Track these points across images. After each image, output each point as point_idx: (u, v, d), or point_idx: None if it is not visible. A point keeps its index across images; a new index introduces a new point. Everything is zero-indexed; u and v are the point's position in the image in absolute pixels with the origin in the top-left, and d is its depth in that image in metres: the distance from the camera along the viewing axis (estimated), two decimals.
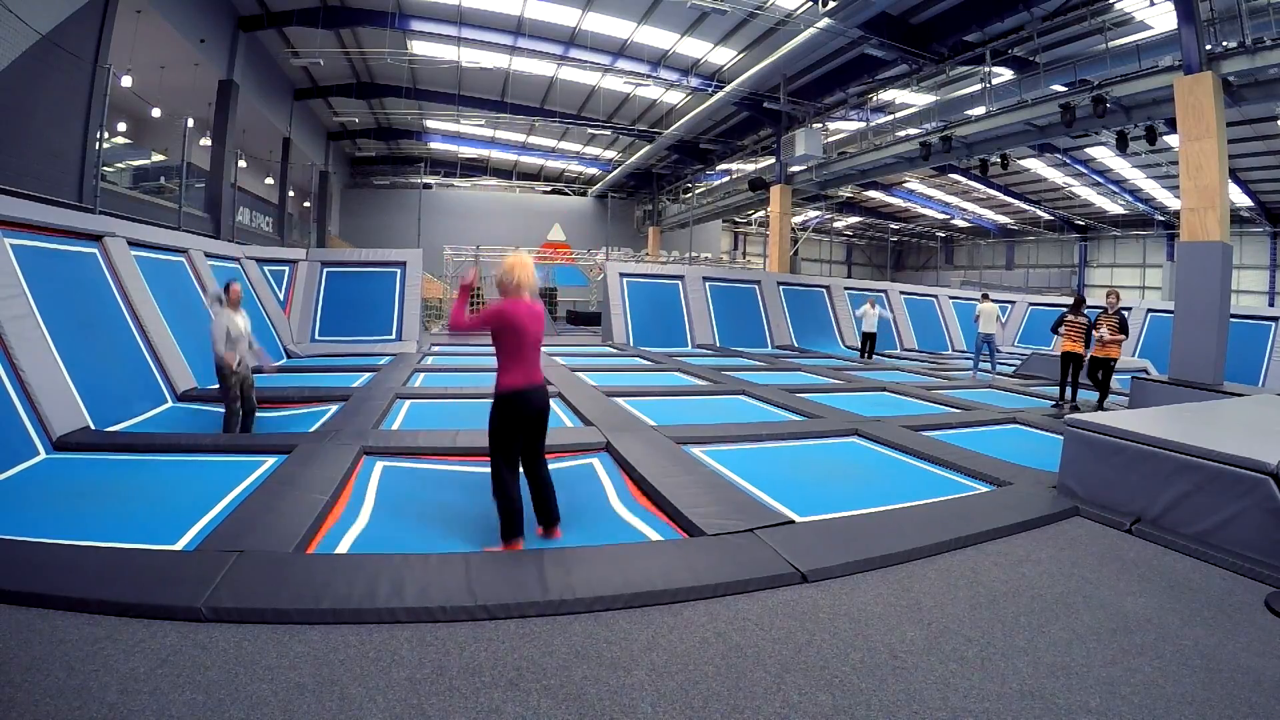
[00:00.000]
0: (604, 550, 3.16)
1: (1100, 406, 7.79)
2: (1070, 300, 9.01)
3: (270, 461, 4.48)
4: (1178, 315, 8.79)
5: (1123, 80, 11.25)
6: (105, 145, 9.18)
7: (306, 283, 12.38)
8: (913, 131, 16.71)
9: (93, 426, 5.12)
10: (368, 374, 8.95)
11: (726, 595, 2.80)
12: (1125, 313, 8.26)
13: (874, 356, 13.82)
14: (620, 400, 7.18)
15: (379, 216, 28.74)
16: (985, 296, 12.49)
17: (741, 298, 16.80)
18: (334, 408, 6.54)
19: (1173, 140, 11.08)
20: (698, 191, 28.56)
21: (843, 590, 2.91)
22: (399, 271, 13.12)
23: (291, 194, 21.86)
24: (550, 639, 2.42)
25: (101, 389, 5.60)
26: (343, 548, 3.24)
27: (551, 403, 6.86)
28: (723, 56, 17.19)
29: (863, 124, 18.89)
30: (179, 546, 3.10)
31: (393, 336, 12.34)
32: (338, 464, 4.26)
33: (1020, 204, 27.94)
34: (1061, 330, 8.19)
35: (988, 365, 12.23)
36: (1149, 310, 16.11)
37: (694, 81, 18.08)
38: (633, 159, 25.56)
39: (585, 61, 17.51)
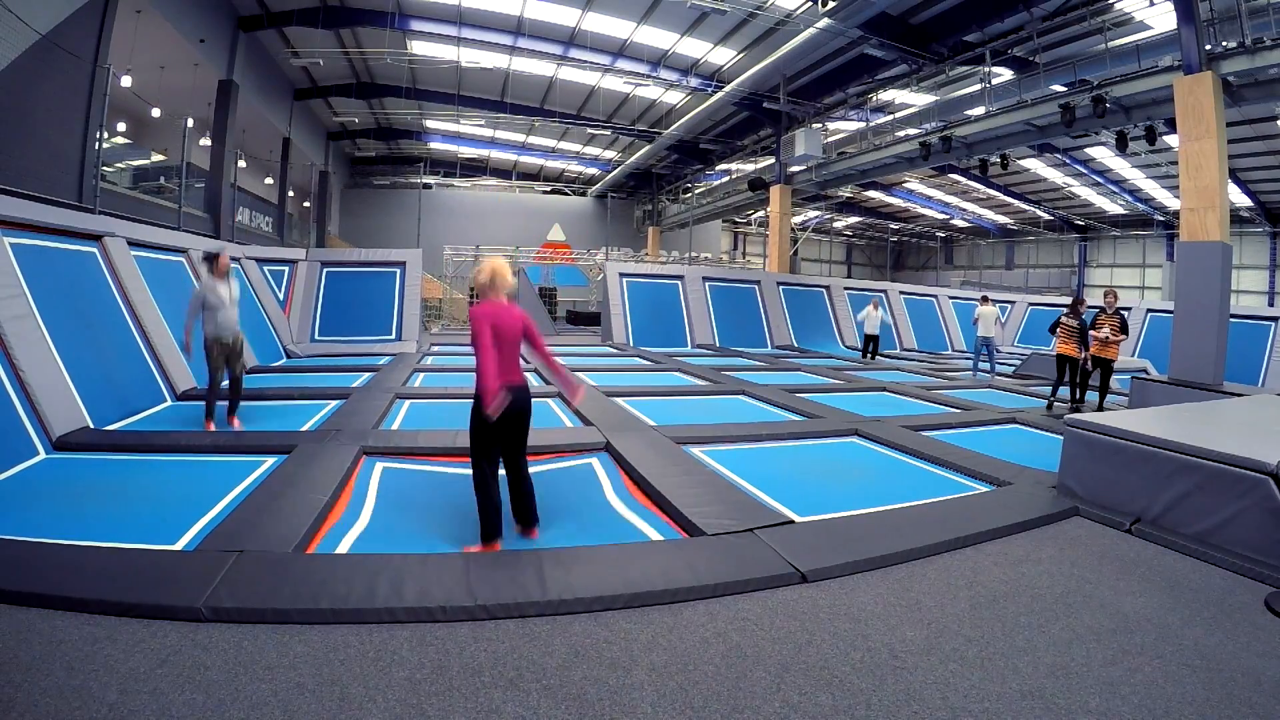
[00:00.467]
0: (604, 550, 3.16)
1: (1100, 407, 7.79)
2: (1069, 301, 8.98)
3: (270, 461, 4.48)
4: (1178, 315, 8.79)
5: (1123, 80, 11.25)
6: (105, 145, 9.18)
7: (306, 283, 12.38)
8: (912, 131, 16.71)
9: (92, 426, 5.12)
10: (367, 374, 8.95)
11: (726, 595, 2.80)
12: (1125, 312, 8.26)
13: (876, 357, 13.82)
14: (620, 400, 7.18)
15: (379, 216, 28.74)
16: (985, 299, 12.49)
17: (741, 298, 16.80)
18: (333, 405, 6.55)
19: (1173, 140, 11.08)
20: (698, 191, 28.56)
21: (843, 590, 2.91)
22: (399, 271, 13.12)
23: (291, 194, 21.86)
24: (550, 639, 2.42)
25: (101, 389, 5.60)
26: (343, 548, 3.24)
27: (551, 403, 6.94)
28: (723, 56, 17.19)
29: (863, 124, 18.88)
30: (179, 546, 3.10)
31: (392, 336, 12.34)
32: (338, 464, 4.26)
33: (1020, 204, 27.94)
34: (1057, 333, 8.19)
35: (987, 367, 12.23)
36: (1149, 310, 16.11)
37: (694, 81, 18.09)
38: (632, 159, 25.56)
39: (585, 61, 17.51)
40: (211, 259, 5.67)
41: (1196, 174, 8.73)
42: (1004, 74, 14.33)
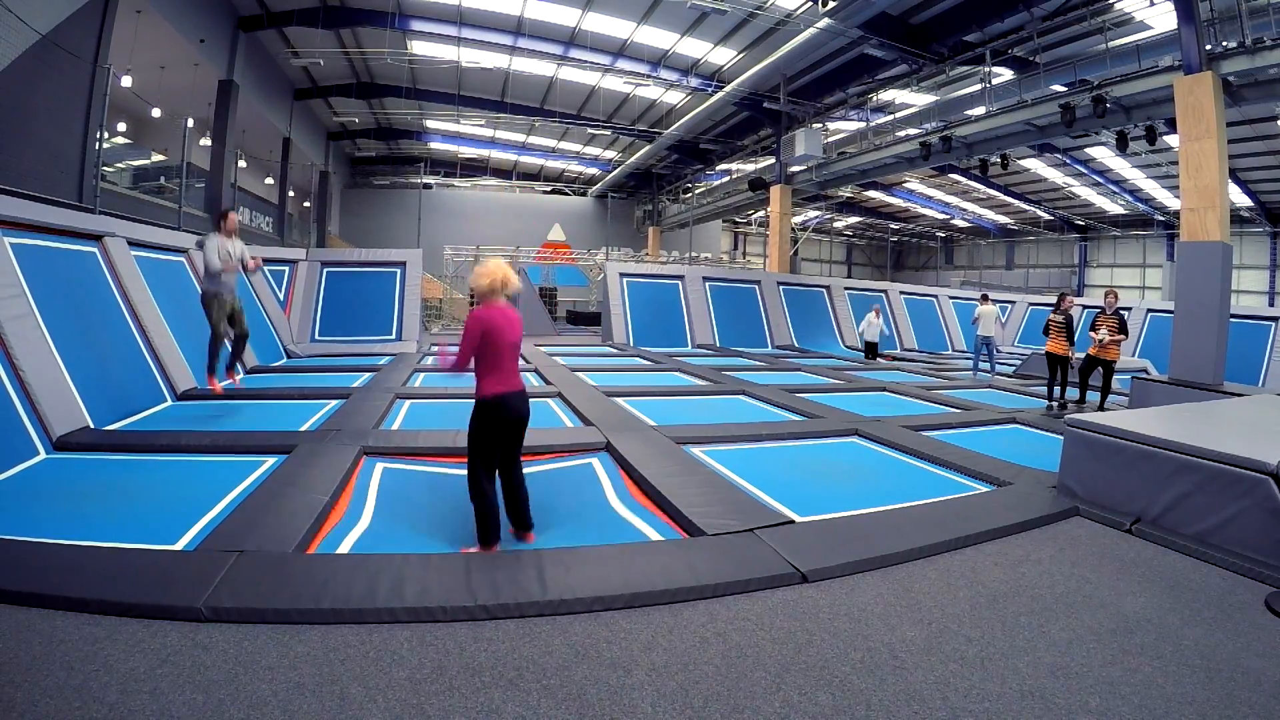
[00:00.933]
0: (604, 550, 3.16)
1: (1101, 407, 7.79)
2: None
3: (270, 461, 4.48)
4: (1178, 315, 8.79)
5: (1123, 80, 11.25)
6: (105, 145, 9.17)
7: (306, 283, 12.38)
8: (913, 131, 16.71)
9: (92, 426, 5.12)
10: (368, 374, 8.95)
11: (726, 595, 2.80)
12: (1124, 313, 8.26)
13: (877, 358, 13.86)
14: (620, 400, 7.18)
15: (379, 216, 28.73)
16: (985, 298, 12.49)
17: (741, 298, 16.79)
18: (333, 405, 6.55)
19: (1173, 140, 11.08)
20: (698, 191, 28.56)
21: (843, 590, 2.91)
22: (399, 272, 13.12)
23: (291, 194, 21.86)
24: (550, 639, 2.42)
25: (101, 389, 5.60)
26: (344, 549, 3.24)
27: (551, 404, 6.94)
28: (723, 56, 17.19)
29: (863, 124, 18.88)
30: (179, 546, 3.10)
31: (392, 336, 12.34)
32: (338, 464, 4.26)
33: (1020, 204, 27.94)
34: (1049, 333, 8.21)
35: (987, 367, 12.24)
36: (1149, 310, 16.11)
37: (694, 81, 18.09)
38: (633, 159, 25.56)
39: (585, 61, 17.51)
40: (221, 216, 5.91)
41: (1196, 174, 8.73)
42: (1004, 74, 14.33)
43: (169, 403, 6.50)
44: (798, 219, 30.51)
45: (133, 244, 7.47)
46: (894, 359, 14.66)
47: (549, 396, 7.38)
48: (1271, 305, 23.72)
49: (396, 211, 28.24)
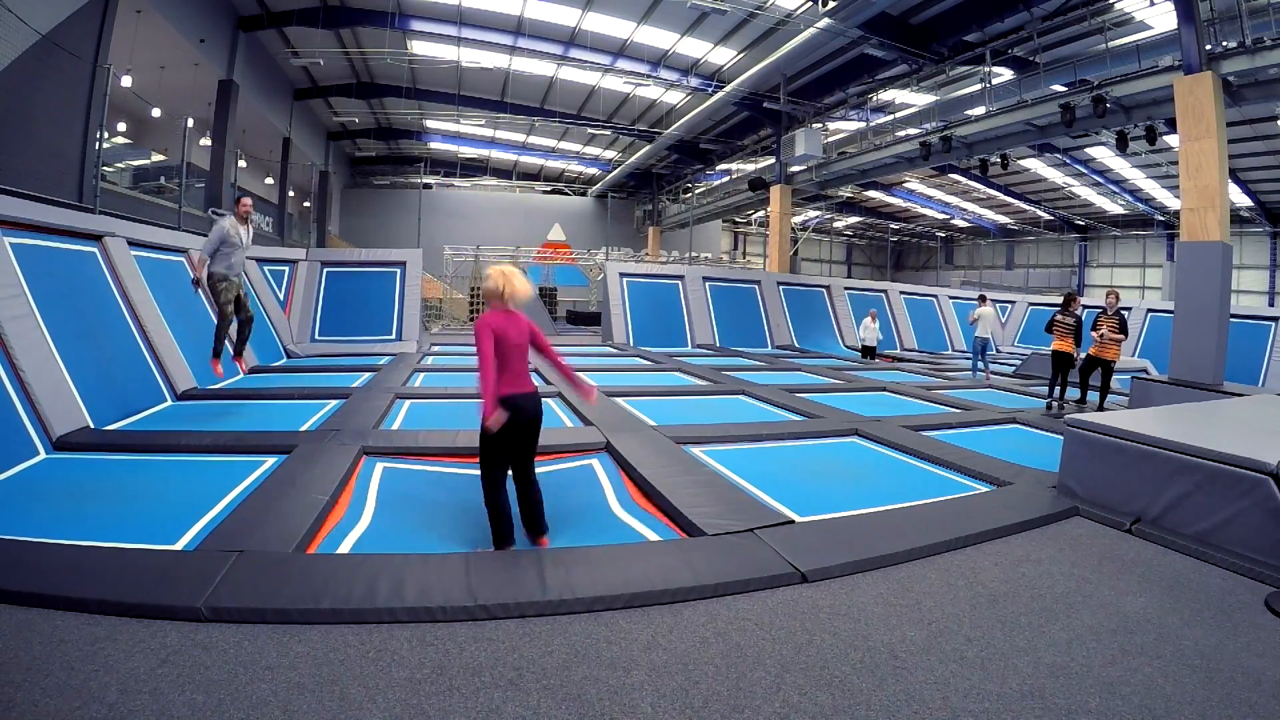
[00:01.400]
0: (604, 550, 3.15)
1: (1101, 407, 7.79)
2: (1061, 299, 8.95)
3: (270, 461, 4.48)
4: (1178, 315, 8.79)
5: (1123, 80, 11.25)
6: (105, 145, 9.17)
7: (306, 283, 12.38)
8: (913, 131, 16.72)
9: (92, 426, 5.12)
10: (367, 374, 8.95)
11: (726, 595, 2.80)
12: (1125, 313, 8.27)
13: (875, 359, 13.90)
14: (620, 400, 7.18)
15: (379, 216, 28.74)
16: (982, 299, 12.49)
17: (741, 298, 16.80)
18: (333, 405, 6.55)
19: (1173, 140, 11.08)
20: (698, 191, 28.56)
21: (843, 590, 2.91)
22: (399, 272, 13.12)
23: (291, 194, 21.88)
24: (550, 639, 2.42)
25: (101, 389, 5.60)
26: (344, 547, 3.24)
27: (552, 404, 6.94)
28: (723, 56, 17.19)
29: (863, 124, 18.89)
30: (179, 546, 3.10)
31: (393, 336, 12.34)
32: (338, 464, 4.26)
33: (1020, 204, 27.95)
34: (1053, 331, 8.19)
35: (983, 367, 12.24)
36: (1149, 310, 16.12)
37: (694, 81, 18.09)
38: (633, 159, 25.56)
39: (585, 61, 17.52)
40: (235, 201, 6.15)
41: (1196, 174, 8.73)
42: (1004, 74, 14.33)
43: (169, 403, 6.51)
44: (798, 219, 30.51)
45: (133, 244, 7.47)
46: (893, 359, 14.67)
47: (549, 397, 7.37)
48: (1271, 305, 23.72)
49: (396, 211, 28.25)
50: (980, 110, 14.47)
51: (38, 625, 2.34)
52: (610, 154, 28.21)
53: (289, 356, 10.83)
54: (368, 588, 2.64)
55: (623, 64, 17.54)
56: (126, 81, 12.87)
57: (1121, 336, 7.74)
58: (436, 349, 13.07)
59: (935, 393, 8.69)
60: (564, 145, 27.66)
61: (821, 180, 19.64)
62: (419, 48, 17.82)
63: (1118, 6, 12.02)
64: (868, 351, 13.99)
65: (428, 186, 28.56)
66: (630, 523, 3.78)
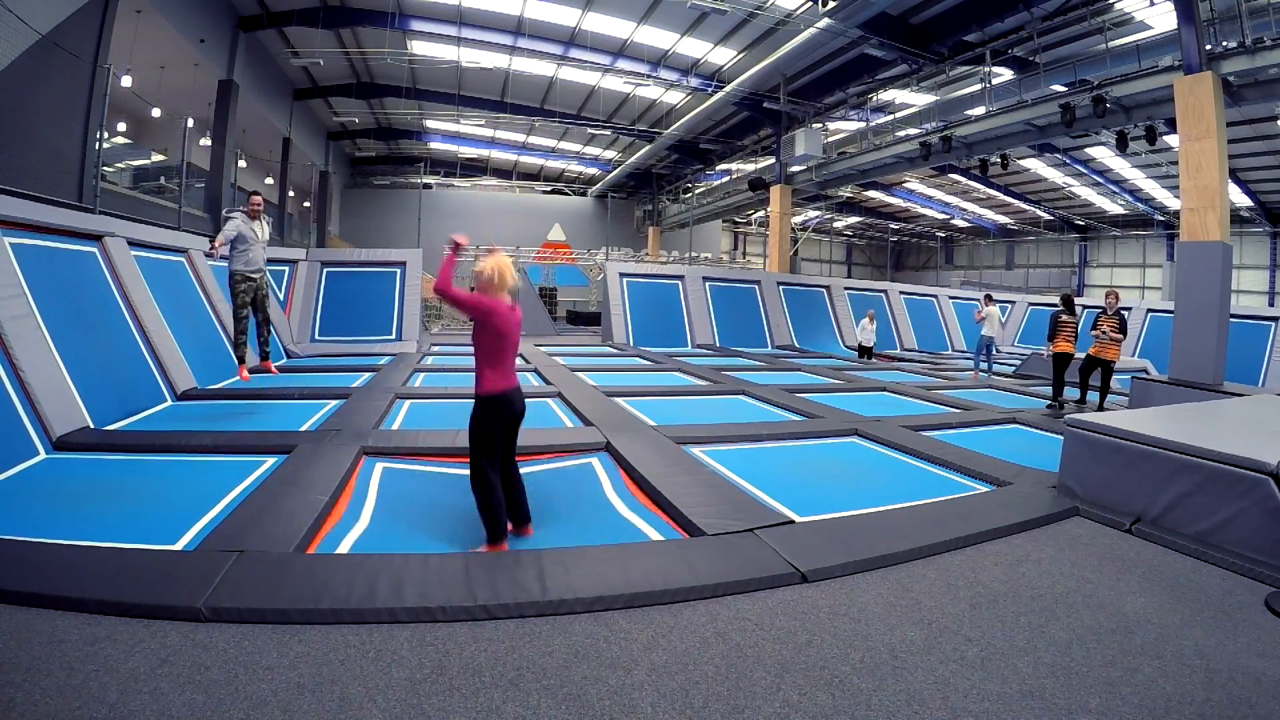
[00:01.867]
0: (604, 550, 3.16)
1: (1101, 407, 7.79)
2: (1057, 301, 8.91)
3: (270, 461, 4.48)
4: (1178, 315, 8.79)
5: (1123, 80, 11.25)
6: (105, 145, 9.17)
7: (306, 283, 12.38)
8: (913, 131, 16.72)
9: (92, 426, 5.12)
10: (367, 374, 8.95)
11: (726, 595, 2.80)
12: (1125, 313, 8.28)
13: (873, 359, 13.94)
14: (620, 400, 7.18)
15: (379, 216, 28.74)
16: (989, 299, 12.50)
17: (741, 298, 16.80)
18: (333, 405, 6.55)
19: (1173, 140, 11.08)
20: (698, 191, 28.56)
21: (843, 590, 2.91)
22: (399, 271, 13.12)
23: (291, 194, 21.88)
24: (550, 639, 2.42)
25: (101, 389, 5.60)
26: (343, 547, 3.24)
27: (551, 404, 6.95)
28: (723, 56, 17.19)
29: (863, 124, 18.89)
30: (179, 546, 3.10)
31: (392, 336, 12.34)
32: (338, 464, 4.26)
33: (1020, 204, 27.95)
34: (1059, 333, 8.19)
35: (986, 366, 12.25)
36: (1149, 310, 16.11)
37: (694, 81, 18.09)
38: (633, 159, 25.56)
39: (585, 61, 17.52)
40: (245, 197, 6.16)
41: (1196, 174, 8.73)
42: (1004, 74, 14.33)
43: (169, 403, 6.50)
44: (798, 219, 30.51)
45: (133, 244, 7.47)
46: (891, 359, 14.68)
47: (549, 396, 7.38)
48: (1271, 305, 23.72)
49: (396, 211, 28.25)
50: (980, 110, 14.47)
51: (38, 625, 2.34)
52: (610, 154, 28.21)
53: (289, 356, 10.83)
54: (367, 588, 2.64)
55: (623, 64, 17.54)
56: (126, 81, 12.87)
57: (1121, 336, 7.75)
58: (436, 349, 13.06)
59: (935, 393, 8.69)
60: (564, 145, 27.66)
61: (821, 180, 19.65)
62: (419, 48, 17.81)
63: (1118, 6, 12.02)
64: (865, 351, 14.08)
65: (428, 186, 28.56)
66: (630, 518, 3.79)
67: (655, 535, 3.54)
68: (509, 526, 3.39)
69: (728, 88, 17.08)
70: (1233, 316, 9.43)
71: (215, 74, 14.72)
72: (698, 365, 10.78)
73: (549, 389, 7.69)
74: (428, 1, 15.51)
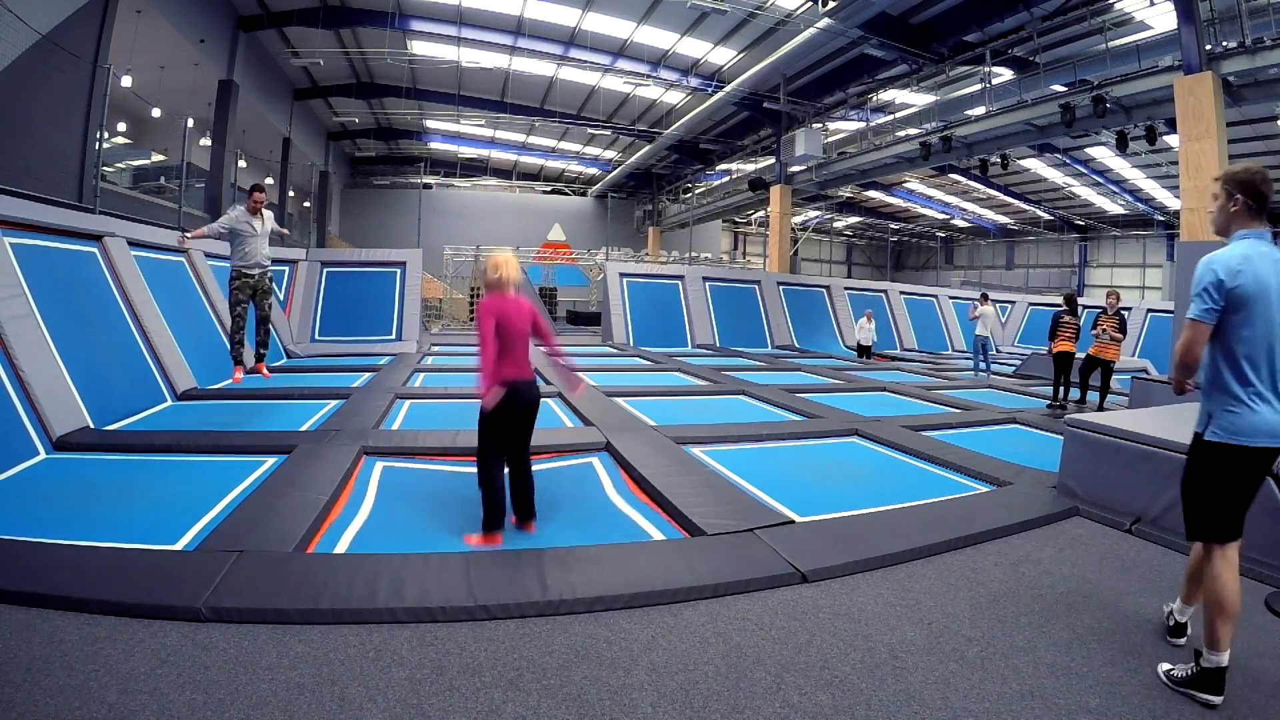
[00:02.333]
0: (604, 550, 3.16)
1: (1101, 407, 7.78)
2: (1060, 301, 8.92)
3: (270, 461, 4.48)
4: (1178, 315, 8.78)
5: (1123, 80, 11.25)
6: (105, 145, 9.17)
7: (306, 283, 12.38)
8: (913, 131, 16.73)
9: (92, 426, 5.12)
10: (368, 374, 8.95)
11: (726, 595, 2.80)
12: (1125, 313, 8.28)
13: (870, 359, 13.95)
14: (620, 400, 7.18)
15: (379, 216, 28.73)
16: (984, 298, 12.49)
17: (741, 298, 16.80)
18: (333, 405, 6.55)
19: (1173, 140, 11.09)
20: (698, 191, 28.57)
21: (843, 590, 2.91)
22: (399, 272, 13.12)
23: (291, 194, 21.88)
24: (550, 639, 2.42)
25: (101, 389, 5.60)
26: (342, 545, 3.24)
27: (551, 404, 6.94)
28: (723, 56, 17.19)
29: (863, 124, 18.90)
30: (179, 546, 3.10)
31: (393, 336, 12.34)
32: (338, 464, 4.26)
33: (1020, 204, 27.95)
34: (1060, 333, 8.19)
35: (984, 366, 12.24)
36: (1149, 310, 16.10)
37: (694, 81, 18.09)
38: (633, 159, 25.56)
39: (585, 61, 17.53)
40: (249, 191, 5.90)
41: (1196, 174, 8.74)
42: (1004, 74, 14.34)
43: (169, 403, 6.51)
44: (798, 219, 30.51)
45: (133, 244, 7.47)
46: (892, 359, 14.68)
47: (549, 396, 7.37)
48: None
49: (396, 211, 28.24)
50: (980, 110, 14.48)
51: (38, 625, 2.34)
52: (610, 154, 28.22)
53: (289, 356, 10.83)
54: (367, 588, 2.64)
55: (623, 64, 17.54)
56: (126, 81, 12.88)
57: (1120, 336, 7.75)
58: (436, 349, 13.07)
59: (935, 393, 8.69)
60: (564, 145, 27.67)
61: (821, 180, 19.65)
62: (419, 48, 17.82)
63: (1118, 6, 12.02)
64: (863, 351, 14.13)
65: (428, 186, 28.55)
66: (630, 513, 3.81)
67: (656, 532, 3.54)
68: (512, 519, 3.40)
69: (728, 88, 17.08)
70: None
71: (215, 74, 14.73)
72: (698, 365, 10.78)
73: (549, 389, 7.67)
74: (428, 1, 15.51)
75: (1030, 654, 2.42)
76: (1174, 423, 4.27)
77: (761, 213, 27.35)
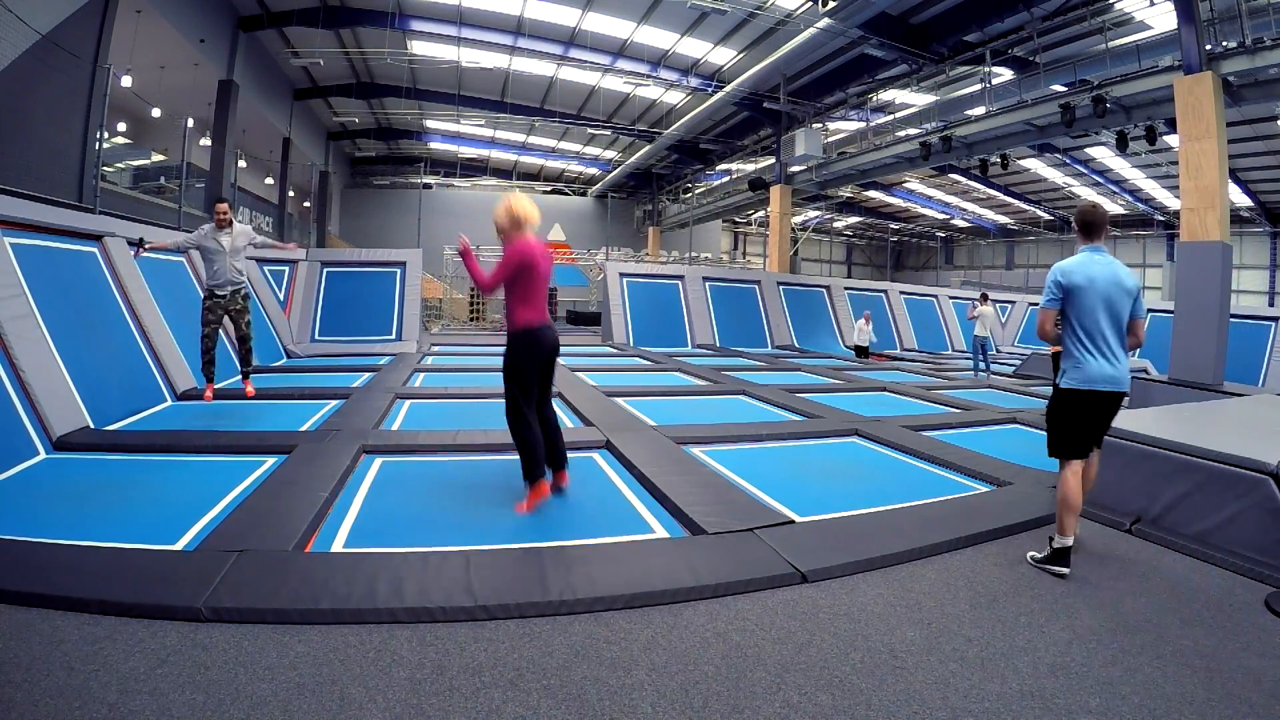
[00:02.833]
0: (604, 549, 3.16)
1: None
2: None
3: (270, 461, 4.48)
4: (1178, 315, 8.79)
5: (1123, 80, 11.25)
6: (105, 145, 9.17)
7: (306, 283, 12.37)
8: (913, 131, 16.72)
9: (92, 426, 5.12)
10: (368, 374, 8.95)
11: (727, 595, 2.80)
12: None
13: (869, 359, 13.97)
14: (620, 400, 7.18)
15: (379, 216, 28.73)
16: (984, 298, 12.49)
17: (741, 298, 16.80)
18: (333, 405, 6.55)
19: (1173, 140, 11.08)
20: (698, 191, 28.56)
21: (843, 590, 2.90)
22: (399, 271, 13.12)
23: (291, 194, 21.88)
24: (550, 639, 2.42)
25: (101, 389, 5.59)
26: (338, 540, 3.24)
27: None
28: (723, 56, 17.19)
29: (863, 124, 18.90)
30: (179, 546, 3.10)
31: (393, 336, 12.34)
32: (338, 464, 4.26)
33: (1020, 204, 27.97)
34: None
35: (983, 366, 12.24)
36: (1149, 310, 16.09)
37: (694, 81, 18.09)
38: (633, 159, 25.56)
39: (585, 61, 17.53)
40: (212, 205, 5.82)
41: (1196, 174, 8.73)
42: (1004, 74, 14.34)
43: (169, 403, 6.50)
44: (798, 219, 30.51)
45: (133, 244, 7.47)
46: (891, 359, 14.69)
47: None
48: (1271, 305, 23.73)
49: (396, 211, 28.24)
50: (980, 110, 14.48)
51: (38, 625, 2.34)
52: (610, 154, 28.21)
53: (289, 356, 10.83)
54: (367, 587, 2.64)
55: (623, 64, 17.54)
56: (126, 81, 12.89)
57: None
58: (437, 349, 13.07)
59: (935, 393, 8.68)
60: (564, 145, 27.66)
61: (821, 180, 19.65)
62: (419, 48, 17.82)
63: (1118, 6, 12.03)
64: (861, 351, 14.17)
65: (428, 186, 28.56)
66: (633, 502, 3.85)
67: (656, 520, 3.59)
68: (550, 471, 3.40)
69: (728, 88, 17.08)
70: (1233, 316, 9.43)
71: (215, 74, 14.73)
72: (698, 365, 10.78)
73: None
74: (428, 1, 15.52)
75: (1030, 654, 2.42)
76: (1174, 423, 4.28)
77: (761, 213, 27.36)
